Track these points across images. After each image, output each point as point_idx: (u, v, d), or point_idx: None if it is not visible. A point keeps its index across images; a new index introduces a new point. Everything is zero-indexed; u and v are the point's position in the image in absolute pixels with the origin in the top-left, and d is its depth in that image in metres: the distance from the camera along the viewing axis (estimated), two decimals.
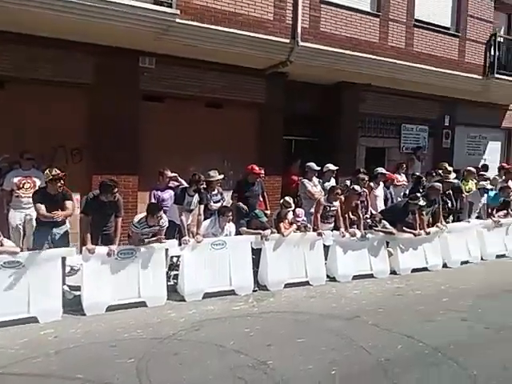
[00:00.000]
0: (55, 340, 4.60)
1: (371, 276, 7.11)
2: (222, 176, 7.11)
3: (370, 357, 4.30)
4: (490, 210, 8.93)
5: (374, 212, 7.89)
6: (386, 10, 9.44)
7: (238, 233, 6.55)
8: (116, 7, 6.27)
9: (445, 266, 7.91)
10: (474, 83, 10.73)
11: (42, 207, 5.39)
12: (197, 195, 6.43)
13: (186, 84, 8.14)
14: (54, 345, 4.46)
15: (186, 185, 6.67)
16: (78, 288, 5.61)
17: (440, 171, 9.18)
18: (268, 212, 7.23)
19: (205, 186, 6.62)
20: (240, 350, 4.36)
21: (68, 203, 5.60)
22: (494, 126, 13.26)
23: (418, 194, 7.68)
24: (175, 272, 6.36)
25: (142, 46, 7.41)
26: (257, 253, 6.51)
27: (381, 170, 8.56)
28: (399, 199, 8.63)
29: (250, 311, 5.60)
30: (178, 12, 6.82)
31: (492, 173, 10.68)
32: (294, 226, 6.73)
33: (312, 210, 7.24)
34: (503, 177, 10.02)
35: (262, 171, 7.47)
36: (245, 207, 6.99)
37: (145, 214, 5.83)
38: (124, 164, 7.50)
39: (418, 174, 9.62)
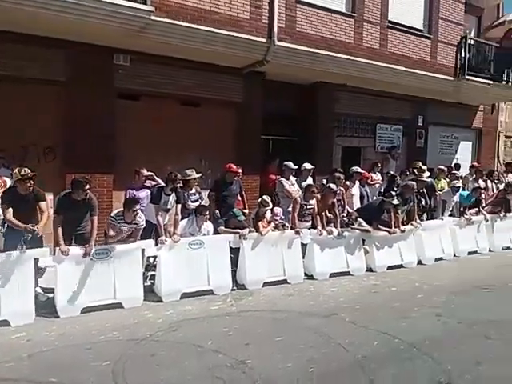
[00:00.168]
0: (28, 343, 4.48)
1: (348, 273, 7.18)
2: (199, 175, 7.07)
3: (348, 354, 4.34)
4: (462, 208, 9.14)
5: (350, 210, 7.99)
6: (361, 11, 9.55)
7: (216, 232, 6.51)
8: (89, 3, 6.16)
9: (419, 262, 8.06)
10: (446, 84, 10.98)
11: (10, 211, 5.19)
12: (174, 194, 6.37)
13: (161, 82, 8.04)
14: (26, 348, 4.34)
15: (162, 184, 6.60)
16: (51, 290, 5.47)
17: (414, 170, 9.35)
18: (246, 211, 7.21)
19: (182, 185, 6.56)
20: (218, 349, 4.34)
21: (42, 204, 5.44)
22: (465, 126, 13.63)
23: (393, 193, 7.79)
24: (152, 272, 6.28)
25: (117, 43, 7.29)
26: (235, 252, 6.49)
27: (356, 168, 8.68)
28: (375, 198, 8.75)
29: (228, 310, 5.57)
30: (153, 9, 6.75)
31: (464, 171, 10.95)
32: (272, 225, 6.75)
33: (290, 209, 7.27)
34: (474, 175, 10.28)
35: (240, 170, 7.48)
36: (217, 212, 6.92)
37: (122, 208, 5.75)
38: (99, 163, 7.37)
39: (392, 172, 9.78)
